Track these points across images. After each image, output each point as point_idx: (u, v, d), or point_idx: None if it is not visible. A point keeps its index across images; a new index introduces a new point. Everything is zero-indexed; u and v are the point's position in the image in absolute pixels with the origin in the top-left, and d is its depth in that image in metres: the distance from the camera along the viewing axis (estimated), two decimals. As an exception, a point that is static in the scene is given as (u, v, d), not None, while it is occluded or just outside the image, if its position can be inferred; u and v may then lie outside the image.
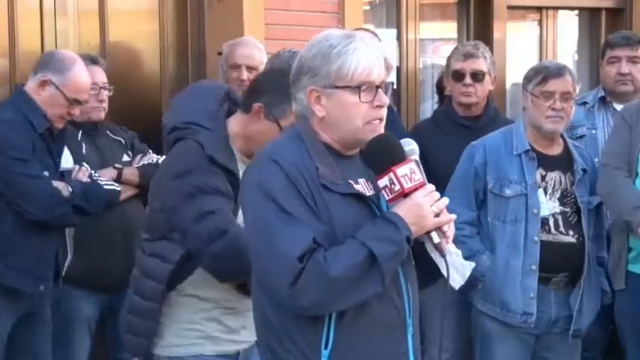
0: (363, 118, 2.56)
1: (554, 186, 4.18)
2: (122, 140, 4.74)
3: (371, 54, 2.56)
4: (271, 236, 2.47)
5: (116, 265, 4.53)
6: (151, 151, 4.81)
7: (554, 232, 4.14)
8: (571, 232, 4.15)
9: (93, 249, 4.51)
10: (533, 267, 4.09)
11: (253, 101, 3.24)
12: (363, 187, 2.60)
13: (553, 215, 4.15)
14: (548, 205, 4.15)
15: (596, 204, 4.25)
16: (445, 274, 2.55)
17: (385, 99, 2.58)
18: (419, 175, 2.53)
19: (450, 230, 2.57)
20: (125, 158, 4.69)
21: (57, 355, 4.71)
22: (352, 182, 2.58)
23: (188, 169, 3.13)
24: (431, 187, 2.55)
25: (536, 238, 4.09)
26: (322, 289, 2.42)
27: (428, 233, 2.53)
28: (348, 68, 2.53)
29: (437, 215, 2.53)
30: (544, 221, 4.13)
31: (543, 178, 4.18)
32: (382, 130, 2.60)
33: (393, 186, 2.51)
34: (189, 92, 3.51)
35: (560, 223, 4.15)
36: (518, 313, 4.12)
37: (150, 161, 4.71)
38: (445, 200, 2.56)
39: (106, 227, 4.53)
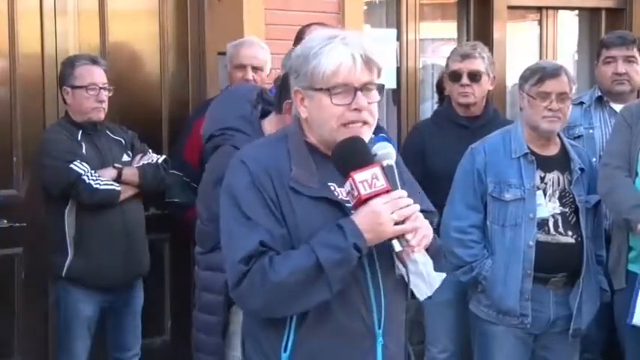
0: (338, 120, 2.50)
1: (553, 187, 4.18)
2: (122, 140, 4.74)
3: (346, 54, 2.49)
4: (227, 237, 2.51)
5: (116, 265, 4.55)
6: (150, 150, 4.82)
7: (553, 232, 4.13)
8: (570, 233, 4.14)
9: (93, 249, 4.52)
10: (529, 271, 4.09)
11: (283, 99, 3.25)
12: (340, 190, 2.55)
13: (553, 216, 4.14)
14: (548, 207, 4.14)
15: (594, 203, 4.24)
16: (410, 284, 2.49)
17: (363, 102, 2.50)
18: (382, 181, 2.44)
19: (417, 239, 2.47)
20: (125, 158, 4.70)
21: (57, 355, 4.73)
22: (335, 185, 2.54)
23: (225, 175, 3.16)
24: (398, 193, 2.46)
25: (531, 243, 4.08)
26: (264, 293, 2.42)
27: (390, 241, 2.46)
28: (321, 70, 2.49)
29: (401, 223, 2.44)
30: (543, 222, 4.12)
31: (542, 179, 4.17)
32: (366, 134, 2.54)
33: (353, 192, 2.45)
34: (222, 99, 3.55)
35: (560, 223, 4.14)
36: (515, 316, 4.12)
37: (150, 161, 4.72)
38: (414, 207, 2.46)
39: (106, 227, 4.54)
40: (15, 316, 4.95)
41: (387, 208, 2.43)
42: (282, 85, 3.30)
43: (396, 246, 2.46)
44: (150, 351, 5.14)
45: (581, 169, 4.21)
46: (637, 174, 4.24)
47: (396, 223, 2.44)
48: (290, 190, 2.48)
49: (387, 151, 2.52)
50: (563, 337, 4.20)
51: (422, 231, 2.47)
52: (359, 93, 2.50)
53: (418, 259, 2.51)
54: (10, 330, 4.94)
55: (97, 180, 4.46)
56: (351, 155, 2.47)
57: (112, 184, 4.52)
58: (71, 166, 4.43)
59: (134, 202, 4.65)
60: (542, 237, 4.11)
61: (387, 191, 2.44)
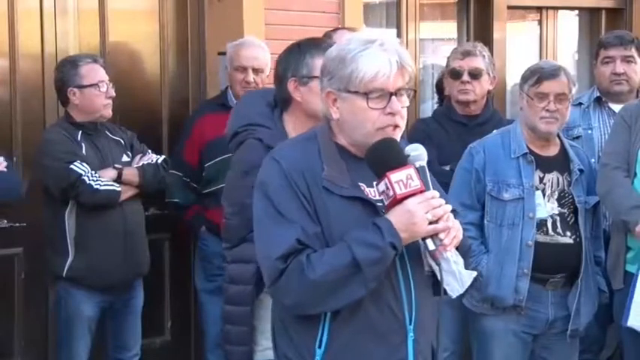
0: (374, 124, 2.56)
1: (552, 187, 4.18)
2: (121, 140, 4.75)
3: (384, 60, 2.55)
4: (262, 235, 2.56)
5: (116, 265, 4.55)
6: (150, 151, 4.82)
7: (552, 233, 4.13)
8: (568, 233, 4.14)
9: (93, 249, 4.52)
10: (526, 270, 4.08)
11: (284, 85, 3.32)
12: (375, 190, 2.60)
13: (551, 217, 4.14)
14: (547, 207, 4.14)
15: (594, 204, 4.24)
16: (443, 282, 2.55)
17: (397, 106, 2.56)
18: (416, 182, 2.50)
19: (449, 238, 2.53)
20: (125, 158, 4.70)
21: (58, 355, 4.73)
22: (364, 185, 2.59)
23: (253, 165, 3.13)
24: (431, 193, 2.52)
25: (530, 242, 4.08)
26: (301, 290, 2.48)
27: (424, 240, 2.52)
28: (358, 74, 2.54)
29: (435, 222, 2.50)
30: (542, 223, 4.12)
31: (541, 179, 4.17)
32: (397, 136, 2.59)
33: (388, 191, 2.50)
34: (241, 102, 3.62)
35: (558, 224, 4.14)
36: (509, 305, 4.11)
37: (149, 161, 4.72)
38: (447, 207, 2.53)
39: (107, 227, 4.54)
40: (15, 316, 4.95)
41: (421, 207, 2.49)
42: (276, 76, 3.39)
43: (430, 245, 2.52)
44: (150, 351, 5.14)
45: (581, 170, 4.21)
46: (635, 174, 4.25)
47: (430, 223, 2.50)
48: (323, 189, 2.53)
49: (418, 153, 2.58)
50: (562, 338, 4.20)
51: (453, 231, 2.54)
52: (393, 98, 2.56)
53: (450, 258, 2.57)
54: (10, 330, 4.94)
55: (97, 180, 4.47)
56: (386, 156, 2.53)
57: (112, 185, 4.52)
58: (71, 166, 4.43)
59: (134, 203, 4.65)
60: (541, 238, 4.11)
61: (421, 191, 2.51)
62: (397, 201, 2.50)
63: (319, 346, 2.56)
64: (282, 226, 2.50)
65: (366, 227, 2.50)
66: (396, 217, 2.49)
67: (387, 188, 2.50)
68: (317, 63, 3.22)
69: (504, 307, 4.12)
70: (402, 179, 2.49)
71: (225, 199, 3.40)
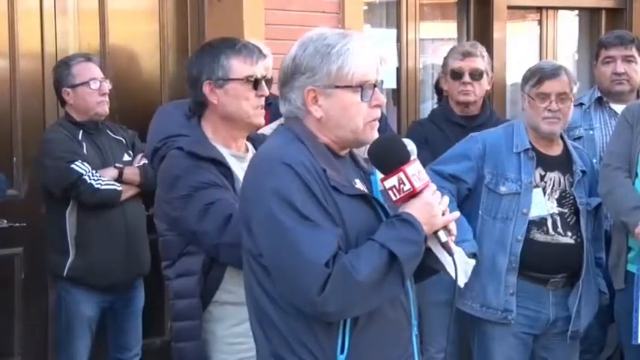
0: (364, 118, 2.53)
1: (553, 186, 4.18)
2: (123, 140, 4.75)
3: (368, 53, 2.54)
4: (294, 243, 2.38)
5: (117, 265, 4.55)
6: (151, 150, 4.81)
7: (553, 232, 4.13)
8: (569, 233, 4.14)
9: (94, 249, 4.52)
10: (514, 265, 4.07)
11: (198, 90, 3.22)
12: (360, 187, 2.59)
13: (551, 216, 4.13)
14: (547, 206, 4.14)
15: (595, 205, 4.24)
16: (453, 273, 2.52)
17: (382, 98, 2.57)
18: (424, 174, 2.51)
19: (454, 229, 2.54)
20: (126, 158, 4.70)
21: (58, 355, 4.73)
22: (353, 182, 2.57)
23: (177, 176, 3.12)
24: (434, 185, 2.54)
25: (519, 237, 4.07)
26: (350, 293, 2.38)
27: (435, 232, 2.51)
28: (349, 68, 2.50)
29: (443, 213, 2.51)
30: (542, 222, 4.12)
31: (542, 178, 4.17)
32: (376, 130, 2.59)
33: (402, 186, 2.48)
34: (155, 117, 3.50)
35: (559, 224, 4.14)
36: (499, 310, 4.10)
37: (151, 161, 4.71)
38: (446, 199, 2.54)
39: (108, 227, 4.54)
40: (15, 316, 4.95)
41: (435, 199, 2.50)
42: (189, 81, 3.28)
43: (443, 236, 2.51)
44: (150, 351, 5.13)
45: (583, 172, 4.21)
46: (637, 175, 4.25)
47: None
48: (332, 189, 2.47)
49: (412, 147, 2.62)
50: (563, 338, 4.20)
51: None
52: (377, 89, 2.55)
53: (455, 249, 2.56)
54: (10, 330, 4.94)
55: (98, 180, 4.47)
56: (394, 151, 2.52)
57: (113, 184, 4.52)
58: (72, 166, 4.43)
59: (135, 202, 4.65)
60: (542, 237, 4.11)
61: (429, 184, 2.52)
62: (413, 195, 2.48)
63: (341, 352, 2.48)
64: (318, 231, 2.38)
65: (391, 224, 2.46)
66: (416, 210, 2.47)
67: (402, 182, 2.48)
68: (233, 64, 3.17)
69: (494, 307, 4.09)
70: (415, 173, 2.49)
71: (157, 216, 3.29)
